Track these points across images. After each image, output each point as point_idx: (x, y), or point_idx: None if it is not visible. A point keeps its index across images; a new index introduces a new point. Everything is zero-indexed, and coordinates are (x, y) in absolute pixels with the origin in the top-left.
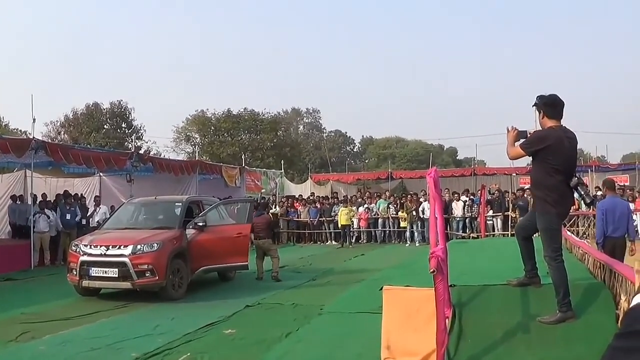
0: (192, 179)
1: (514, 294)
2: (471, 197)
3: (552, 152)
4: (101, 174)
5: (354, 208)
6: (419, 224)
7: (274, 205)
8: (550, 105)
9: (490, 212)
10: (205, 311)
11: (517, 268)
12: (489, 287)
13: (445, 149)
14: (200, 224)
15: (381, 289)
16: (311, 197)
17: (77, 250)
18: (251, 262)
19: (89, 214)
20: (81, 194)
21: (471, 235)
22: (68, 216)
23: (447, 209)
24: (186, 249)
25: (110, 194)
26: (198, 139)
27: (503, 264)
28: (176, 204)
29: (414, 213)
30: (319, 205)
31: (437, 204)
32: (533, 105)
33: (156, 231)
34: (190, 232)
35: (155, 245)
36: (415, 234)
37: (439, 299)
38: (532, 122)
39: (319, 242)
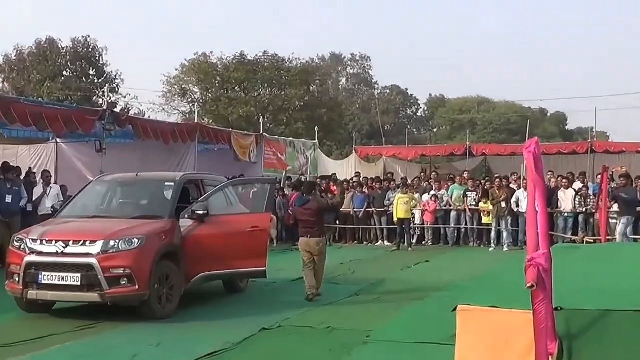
0: (188, 149)
1: None
2: (587, 184)
3: None
4: (58, 139)
5: (417, 196)
6: (509, 221)
7: None
8: None
9: (615, 207)
10: (204, 335)
11: None
12: (613, 313)
13: (548, 114)
14: (200, 212)
15: (454, 309)
16: (356, 179)
17: (22, 247)
18: (270, 268)
19: (37, 196)
20: (29, 168)
21: (585, 238)
22: (8, 198)
23: (551, 199)
24: (179, 248)
25: (70, 169)
26: (198, 94)
27: (635, 281)
28: (166, 184)
29: (503, 204)
30: (366, 191)
31: (538, 190)
32: None
33: (137, 221)
34: (185, 223)
35: (136, 240)
36: (504, 233)
37: (539, 327)
38: None
39: (365, 242)
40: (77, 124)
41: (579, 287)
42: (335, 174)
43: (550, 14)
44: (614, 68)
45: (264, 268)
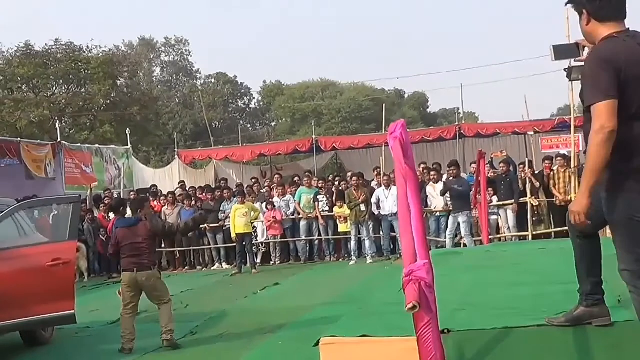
0: None
1: (561, 341)
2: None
3: (623, 81)
4: None
5: (257, 204)
6: (371, 226)
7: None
8: None
9: (495, 200)
10: None
11: (562, 295)
12: (513, 331)
13: (407, 96)
14: None
15: (317, 343)
16: (181, 190)
17: None
18: (82, 310)
19: None
20: None
21: (463, 240)
22: None
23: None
24: None
25: None
26: None
27: (535, 289)
28: None
29: (362, 207)
30: (195, 203)
31: (410, 185)
32: (567, 4)
33: None
34: None
35: None
36: (367, 242)
37: (426, 357)
38: (564, 36)
39: (199, 267)
40: None
41: (469, 301)
42: (155, 185)
43: None
44: (479, 36)
45: (72, 311)
